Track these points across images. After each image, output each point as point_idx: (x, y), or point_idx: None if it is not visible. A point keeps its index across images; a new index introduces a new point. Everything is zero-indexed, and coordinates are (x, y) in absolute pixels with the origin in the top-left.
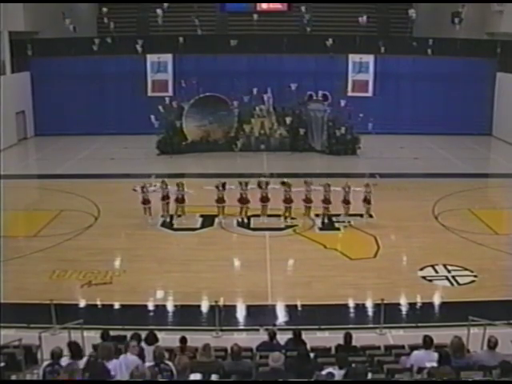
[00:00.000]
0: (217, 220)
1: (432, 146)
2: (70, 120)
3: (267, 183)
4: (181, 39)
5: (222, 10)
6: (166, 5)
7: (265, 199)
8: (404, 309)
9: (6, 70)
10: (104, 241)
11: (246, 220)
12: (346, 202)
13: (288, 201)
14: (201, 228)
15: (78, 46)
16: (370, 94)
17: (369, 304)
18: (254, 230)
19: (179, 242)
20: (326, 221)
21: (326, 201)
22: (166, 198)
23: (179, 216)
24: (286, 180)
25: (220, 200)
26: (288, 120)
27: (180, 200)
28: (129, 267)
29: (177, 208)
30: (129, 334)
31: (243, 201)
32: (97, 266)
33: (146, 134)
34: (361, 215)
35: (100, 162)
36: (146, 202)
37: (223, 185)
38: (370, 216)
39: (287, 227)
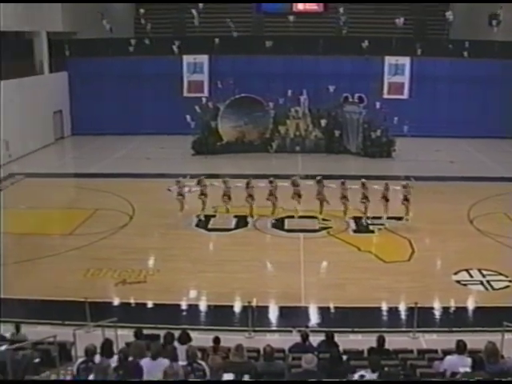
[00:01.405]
0: (250, 220)
1: (468, 148)
2: (107, 120)
3: (298, 181)
4: (217, 40)
5: (257, 11)
6: (200, 5)
7: (297, 196)
8: (438, 313)
9: (44, 69)
10: (138, 240)
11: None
12: (386, 199)
13: (321, 198)
14: (235, 229)
15: (114, 47)
16: (405, 96)
17: (402, 307)
18: (289, 231)
19: (213, 241)
20: (363, 222)
21: (364, 198)
22: (204, 195)
23: (227, 211)
24: (320, 177)
25: (250, 197)
26: (323, 122)
27: (228, 196)
28: (163, 266)
29: (225, 204)
30: (162, 333)
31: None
32: (131, 265)
33: (182, 135)
34: (397, 218)
35: (136, 161)
36: (180, 195)
37: (247, 183)
38: (406, 218)
39: (321, 229)
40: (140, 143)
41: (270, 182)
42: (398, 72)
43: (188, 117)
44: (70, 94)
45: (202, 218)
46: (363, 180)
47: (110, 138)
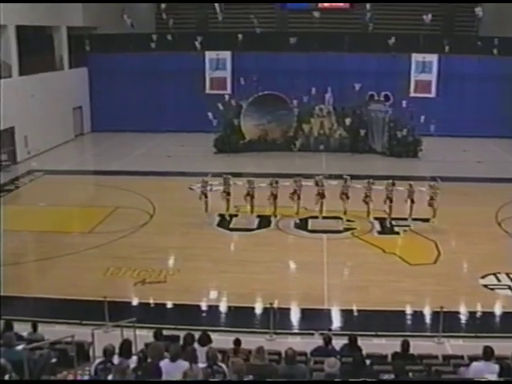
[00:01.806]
0: (273, 220)
1: (496, 149)
2: (127, 116)
3: (322, 181)
4: (240, 36)
5: (282, 8)
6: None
7: (321, 195)
8: (464, 318)
9: (64, 65)
10: (159, 239)
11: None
12: (411, 200)
13: (345, 196)
14: (257, 229)
15: (136, 42)
16: (432, 94)
17: (427, 311)
18: (312, 231)
19: (235, 241)
20: (387, 224)
21: (389, 199)
22: (227, 194)
23: (252, 211)
24: (347, 177)
25: (273, 196)
26: (348, 120)
27: (251, 196)
28: (183, 266)
29: (251, 204)
30: (182, 333)
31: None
32: (151, 265)
33: (204, 132)
34: (423, 219)
35: (157, 159)
36: (204, 196)
37: (276, 182)
38: (432, 220)
39: (345, 230)
40: (161, 141)
41: (295, 182)
42: (425, 70)
43: (210, 114)
44: (90, 90)
45: (227, 218)
46: (389, 181)
47: (130, 135)
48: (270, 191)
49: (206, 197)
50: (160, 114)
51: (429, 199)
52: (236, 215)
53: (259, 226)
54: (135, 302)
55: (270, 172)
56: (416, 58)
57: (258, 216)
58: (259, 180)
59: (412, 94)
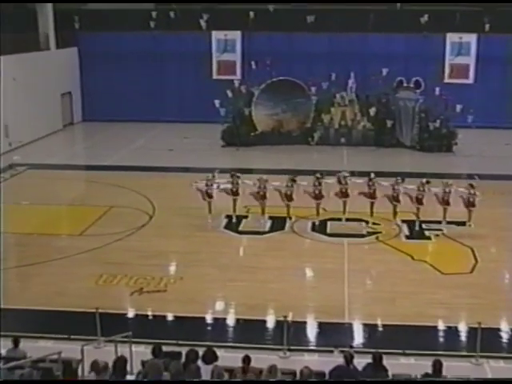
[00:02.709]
0: (288, 222)
1: None
2: (123, 104)
3: (346, 178)
4: (251, 14)
5: None
6: None
7: (344, 194)
8: (505, 336)
9: (50, 44)
10: (159, 243)
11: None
12: (446, 202)
13: (372, 195)
14: (270, 232)
15: (133, 20)
16: (470, 80)
17: (463, 327)
18: (331, 235)
19: (244, 246)
20: (417, 228)
21: (419, 201)
22: (235, 193)
23: (263, 212)
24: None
25: (288, 197)
26: (373, 110)
27: (261, 196)
28: (186, 274)
29: (261, 205)
30: (184, 350)
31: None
32: (150, 272)
33: (210, 123)
34: (458, 223)
35: (157, 153)
36: (208, 195)
37: (293, 180)
38: (469, 223)
39: (369, 234)
40: (161, 132)
41: (317, 179)
42: (461, 52)
43: (217, 102)
44: (81, 73)
45: (235, 219)
46: (423, 180)
47: (126, 125)
48: (285, 190)
49: (211, 197)
50: (160, 102)
51: (466, 200)
52: (246, 216)
53: (272, 229)
54: (131, 313)
55: (285, 168)
56: (451, 38)
57: (271, 218)
58: (272, 177)
59: (446, 80)
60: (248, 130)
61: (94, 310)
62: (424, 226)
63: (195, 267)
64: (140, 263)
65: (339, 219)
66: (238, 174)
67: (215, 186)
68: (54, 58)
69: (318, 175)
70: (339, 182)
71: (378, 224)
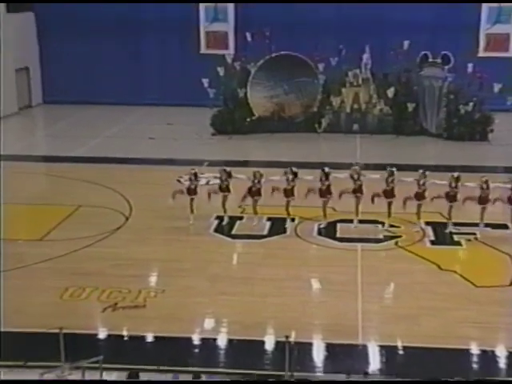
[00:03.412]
0: (288, 223)
1: None
2: (94, 84)
3: (360, 173)
4: None
5: None
6: None
7: (357, 191)
8: None
9: None
10: (137, 249)
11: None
12: (483, 201)
13: (389, 194)
14: (268, 235)
15: None
16: (511, 53)
17: (501, 351)
18: (342, 240)
19: (239, 252)
20: (445, 231)
21: (451, 198)
22: (225, 190)
23: (256, 213)
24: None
25: (288, 193)
26: (391, 91)
27: (255, 193)
28: (169, 286)
29: (253, 203)
30: (166, 376)
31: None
32: (126, 283)
33: (198, 106)
34: (495, 225)
35: (134, 142)
36: (190, 191)
37: (295, 174)
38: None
39: (387, 238)
40: (140, 117)
41: (325, 173)
42: (500, 19)
43: (206, 82)
44: (40, 45)
45: (227, 219)
46: (454, 175)
47: (97, 109)
48: (284, 186)
49: (193, 193)
50: (138, 81)
51: (507, 199)
52: (241, 218)
53: (271, 233)
54: (103, 334)
55: (286, 160)
56: (488, 3)
57: (270, 219)
58: (272, 172)
59: (481, 54)
60: (243, 115)
61: (57, 331)
62: (453, 228)
63: (180, 278)
64: (114, 273)
65: (351, 221)
66: (227, 168)
67: (203, 181)
68: (6, 25)
69: (326, 169)
70: (351, 177)
71: (398, 226)
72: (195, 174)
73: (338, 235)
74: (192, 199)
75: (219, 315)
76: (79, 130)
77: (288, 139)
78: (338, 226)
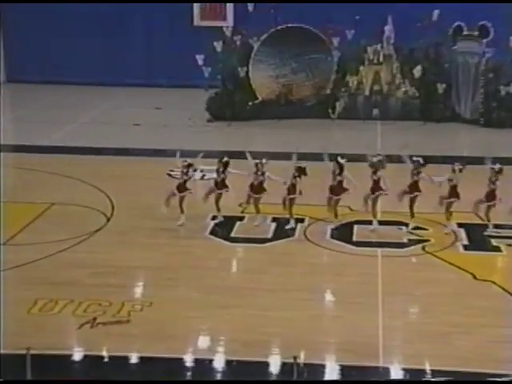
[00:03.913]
0: (291, 224)
1: None
2: (68, 60)
3: (379, 166)
4: None
5: None
6: None
7: (376, 188)
8: None
9: None
10: (120, 254)
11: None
12: None
13: (414, 188)
14: (274, 239)
15: None
16: None
17: None
18: (359, 244)
19: (239, 258)
20: (482, 234)
21: (490, 196)
22: (221, 185)
23: (258, 212)
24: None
25: (291, 190)
26: (418, 70)
27: (257, 188)
28: (158, 298)
29: (255, 201)
30: None
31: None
32: (107, 295)
33: (191, 88)
34: None
35: (117, 129)
36: (180, 188)
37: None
38: None
39: (413, 242)
40: (123, 100)
41: (339, 165)
42: None
43: (200, 59)
44: (0, 12)
45: (220, 219)
46: (495, 166)
47: (73, 89)
48: (290, 181)
49: (183, 190)
50: (121, 59)
51: None
52: (241, 218)
53: (277, 235)
54: (79, 354)
55: (295, 151)
56: None
57: (275, 219)
58: (280, 163)
59: None
60: (244, 99)
61: (23, 352)
62: (491, 231)
63: (170, 288)
64: (92, 283)
65: (369, 222)
66: (226, 159)
67: (198, 175)
68: None
69: (341, 160)
70: (373, 170)
71: (425, 229)
72: (188, 166)
73: (355, 239)
74: (182, 197)
75: (216, 332)
76: (51, 114)
77: (297, 126)
78: (355, 227)
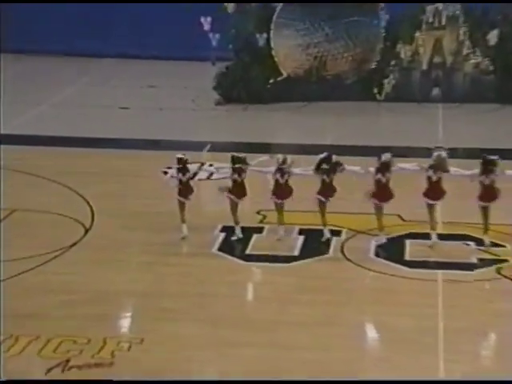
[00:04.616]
0: (324, 234)
1: None
2: (40, 25)
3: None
4: None
5: None
6: None
7: (437, 194)
8: None
9: None
10: (100, 276)
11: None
12: None
13: (488, 193)
14: (301, 257)
15: None
16: None
17: None
18: (413, 265)
19: (256, 282)
20: None
21: None
22: (239, 191)
23: (282, 223)
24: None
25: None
26: (494, 35)
27: (281, 191)
28: (150, 333)
29: (278, 207)
30: None
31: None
32: (84, 329)
33: (193, 61)
34: None
35: (98, 113)
36: (184, 192)
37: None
38: None
39: (484, 263)
40: (106, 75)
41: (385, 164)
42: None
43: (206, 23)
44: None
45: (238, 235)
46: None
47: (42, 60)
48: (322, 181)
49: (187, 193)
50: (105, 21)
51: None
52: (259, 230)
53: (305, 252)
54: None
55: (328, 144)
56: None
57: (303, 232)
58: (310, 158)
59: None
60: (264, 75)
61: None
62: None
63: (166, 321)
64: (65, 314)
65: (427, 235)
66: (240, 154)
67: (204, 173)
68: None
69: (386, 156)
70: (435, 169)
71: (501, 245)
72: (184, 163)
73: (408, 257)
74: (183, 203)
75: (226, 376)
76: (13, 92)
77: (332, 111)
78: (407, 243)
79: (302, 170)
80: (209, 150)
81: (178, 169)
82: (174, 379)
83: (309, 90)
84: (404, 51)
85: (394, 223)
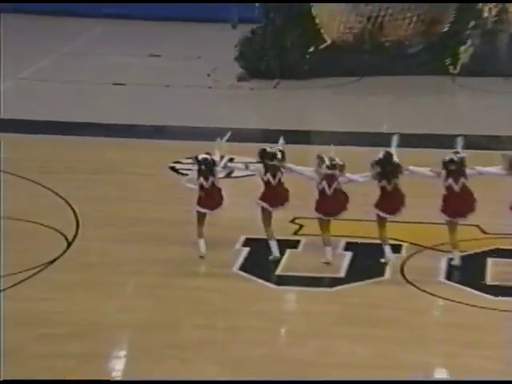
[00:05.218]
0: (386, 253)
1: None
2: None
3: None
4: None
5: None
6: None
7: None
8: None
9: None
10: (88, 302)
11: None
12: None
13: None
14: (348, 280)
15: None
16: None
17: None
18: (498, 291)
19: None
20: None
21: None
22: (275, 194)
23: (327, 243)
24: None
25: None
26: None
27: (330, 204)
28: (152, 375)
29: (323, 225)
30: None
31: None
32: (66, 371)
33: (209, 22)
34: None
35: (87, 91)
36: (207, 201)
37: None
38: None
39: None
40: (98, 41)
41: (458, 162)
42: None
43: None
44: None
45: (276, 255)
46: None
47: (26, 21)
48: (381, 188)
49: (211, 204)
50: None
51: None
52: (294, 244)
53: (353, 273)
54: None
55: (387, 132)
56: None
57: (349, 246)
58: (355, 151)
59: None
60: (301, 41)
61: None
62: None
63: (173, 362)
64: (43, 351)
65: None
66: (280, 148)
67: (220, 169)
68: None
69: (460, 153)
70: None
71: None
72: (209, 163)
73: (490, 281)
74: (204, 214)
75: None
76: None
77: (390, 89)
78: (489, 262)
79: (359, 176)
80: (228, 140)
81: (199, 171)
82: None
83: (360, 61)
84: (488, 8)
85: (471, 236)
